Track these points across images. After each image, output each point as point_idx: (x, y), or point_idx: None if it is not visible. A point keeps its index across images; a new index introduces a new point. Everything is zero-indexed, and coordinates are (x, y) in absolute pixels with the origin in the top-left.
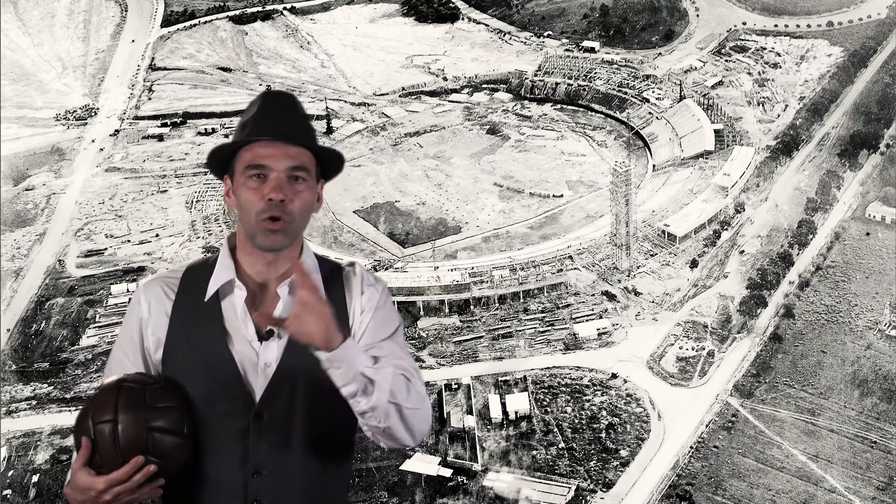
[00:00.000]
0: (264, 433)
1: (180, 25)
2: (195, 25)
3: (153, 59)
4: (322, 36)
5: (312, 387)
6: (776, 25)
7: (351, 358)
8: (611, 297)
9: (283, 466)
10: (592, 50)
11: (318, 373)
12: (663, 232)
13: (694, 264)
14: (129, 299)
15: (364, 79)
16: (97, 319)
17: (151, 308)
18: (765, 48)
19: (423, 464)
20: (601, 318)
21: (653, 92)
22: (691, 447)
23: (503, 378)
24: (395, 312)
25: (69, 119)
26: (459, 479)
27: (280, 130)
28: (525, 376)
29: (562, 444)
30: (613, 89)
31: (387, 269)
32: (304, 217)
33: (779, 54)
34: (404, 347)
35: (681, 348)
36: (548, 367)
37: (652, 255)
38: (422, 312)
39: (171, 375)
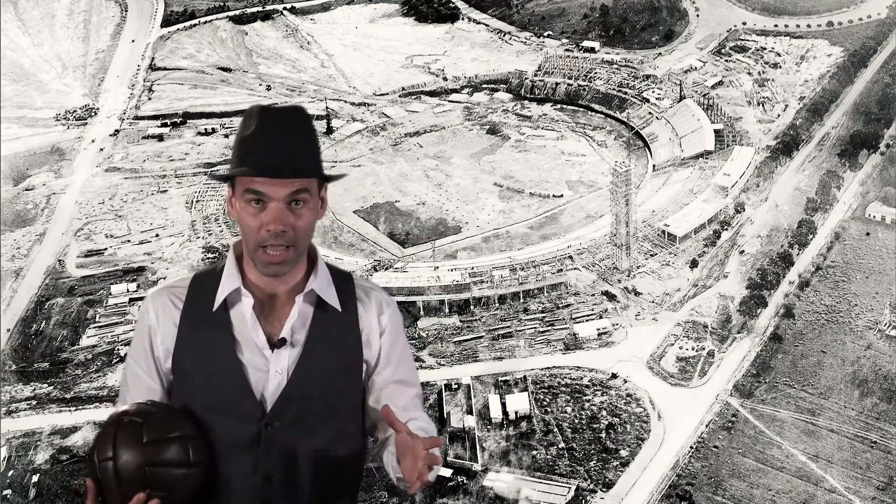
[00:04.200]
0: (275, 441)
1: (180, 25)
2: (195, 25)
3: (153, 59)
4: (322, 36)
5: (324, 395)
6: (776, 25)
7: None
8: (611, 297)
9: (294, 474)
10: (592, 50)
11: (329, 382)
12: (663, 232)
13: (694, 264)
14: (129, 299)
15: (364, 79)
16: (97, 319)
17: (160, 318)
18: (765, 48)
19: None
20: (601, 318)
21: (653, 92)
22: (691, 447)
23: (503, 378)
24: (406, 334)
25: (69, 119)
26: (459, 479)
27: (277, 166)
28: (525, 376)
29: (562, 444)
30: (613, 89)
31: (387, 269)
32: (307, 236)
33: (779, 54)
34: (416, 372)
35: (681, 348)
36: (548, 367)
37: (652, 255)
38: (422, 312)
39: (181, 385)
